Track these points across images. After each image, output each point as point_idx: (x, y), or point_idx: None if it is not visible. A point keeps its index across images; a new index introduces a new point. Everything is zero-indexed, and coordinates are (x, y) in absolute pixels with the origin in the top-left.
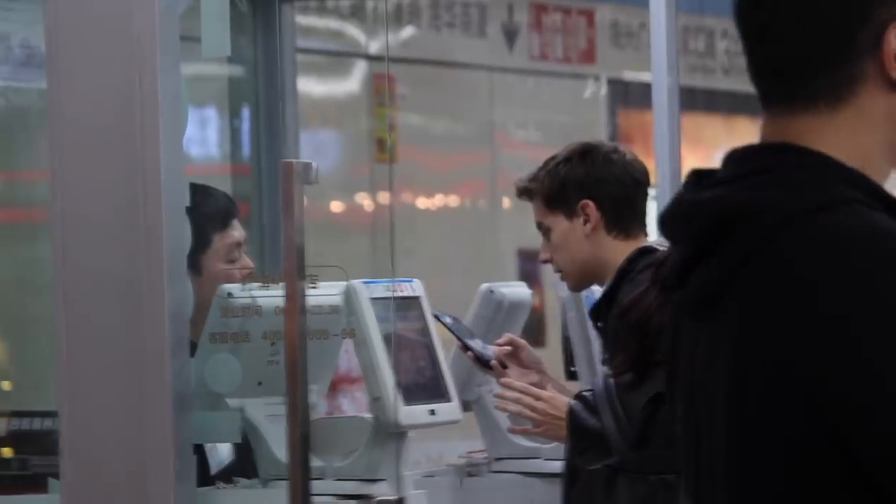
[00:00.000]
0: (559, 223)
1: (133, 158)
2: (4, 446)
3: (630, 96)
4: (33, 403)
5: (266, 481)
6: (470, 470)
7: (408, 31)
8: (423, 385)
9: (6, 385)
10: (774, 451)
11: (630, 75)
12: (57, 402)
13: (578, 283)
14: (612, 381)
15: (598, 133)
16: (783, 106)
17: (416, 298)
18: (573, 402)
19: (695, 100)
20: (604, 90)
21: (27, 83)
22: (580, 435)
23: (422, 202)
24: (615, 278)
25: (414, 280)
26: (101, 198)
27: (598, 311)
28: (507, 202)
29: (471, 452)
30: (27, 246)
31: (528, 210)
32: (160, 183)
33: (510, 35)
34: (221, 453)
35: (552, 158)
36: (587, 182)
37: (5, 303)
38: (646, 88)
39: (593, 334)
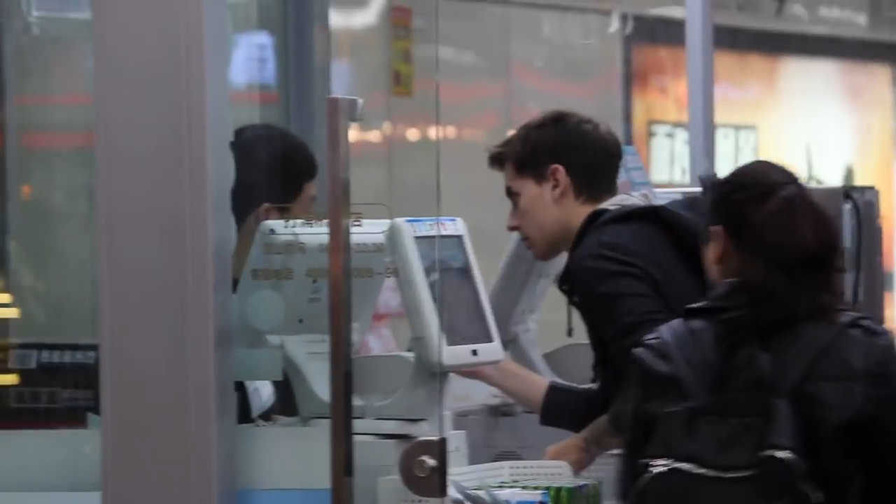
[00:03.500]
0: (528, 188)
1: (178, 90)
2: (34, 379)
3: (649, 32)
4: (62, 336)
5: (306, 419)
6: (504, 409)
7: None
8: (465, 325)
9: (31, 315)
10: None
11: (654, 11)
12: (99, 335)
13: (545, 250)
14: (683, 326)
15: (614, 67)
16: None
17: (459, 237)
18: (638, 350)
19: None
20: (623, 26)
21: (62, 13)
22: (650, 381)
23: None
24: (573, 245)
25: (457, 219)
26: (145, 130)
27: (563, 279)
28: None
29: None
30: (59, 172)
31: None
32: (205, 116)
33: None
34: (263, 397)
35: (525, 125)
36: (559, 147)
37: (34, 230)
38: (665, 24)
39: None
